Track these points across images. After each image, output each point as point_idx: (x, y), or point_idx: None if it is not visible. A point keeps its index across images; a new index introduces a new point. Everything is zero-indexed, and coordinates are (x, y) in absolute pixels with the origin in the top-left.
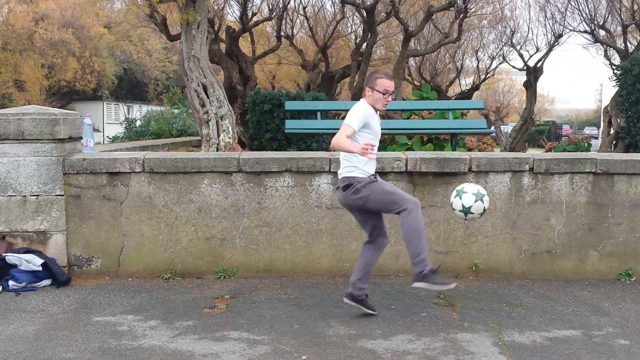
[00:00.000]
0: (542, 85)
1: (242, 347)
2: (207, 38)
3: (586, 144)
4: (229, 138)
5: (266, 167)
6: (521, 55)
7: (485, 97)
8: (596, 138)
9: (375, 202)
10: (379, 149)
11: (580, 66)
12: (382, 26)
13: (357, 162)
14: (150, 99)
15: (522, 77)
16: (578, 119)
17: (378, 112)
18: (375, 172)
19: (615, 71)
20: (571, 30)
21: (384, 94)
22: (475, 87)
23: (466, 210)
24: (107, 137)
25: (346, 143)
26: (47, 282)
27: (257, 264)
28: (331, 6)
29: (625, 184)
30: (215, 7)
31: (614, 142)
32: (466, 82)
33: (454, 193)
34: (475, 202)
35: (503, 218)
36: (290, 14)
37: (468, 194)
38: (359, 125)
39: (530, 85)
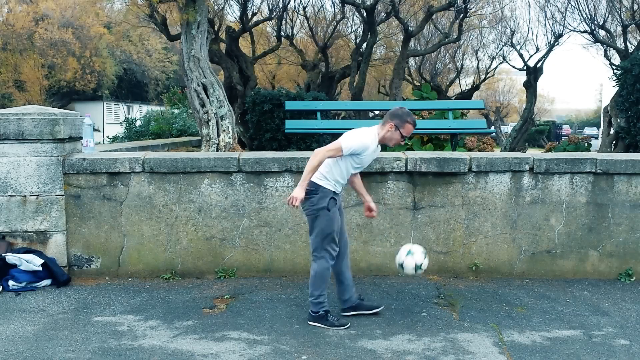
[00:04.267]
0: (542, 85)
1: (242, 347)
2: (207, 38)
3: (586, 144)
4: (229, 138)
5: (266, 167)
6: (521, 55)
7: (485, 97)
8: (596, 138)
9: (316, 226)
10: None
11: (580, 66)
12: (382, 26)
13: (328, 173)
14: (150, 99)
15: (522, 77)
16: (578, 119)
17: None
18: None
19: (615, 71)
20: (571, 30)
21: (403, 138)
22: (475, 87)
23: (418, 267)
24: (107, 137)
25: (312, 168)
26: (47, 282)
27: (257, 264)
28: (331, 6)
29: (625, 184)
30: (215, 7)
31: (614, 142)
32: (466, 82)
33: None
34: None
35: (503, 218)
36: (290, 14)
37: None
38: (350, 152)
39: (530, 85)
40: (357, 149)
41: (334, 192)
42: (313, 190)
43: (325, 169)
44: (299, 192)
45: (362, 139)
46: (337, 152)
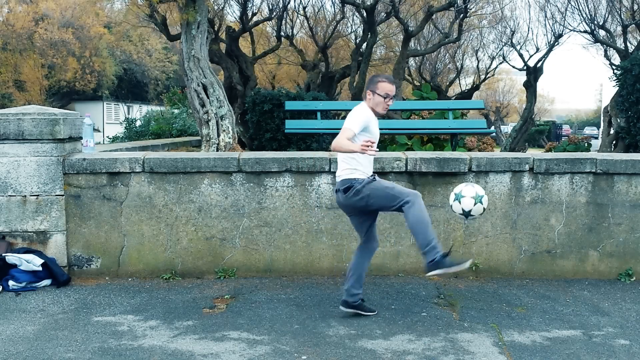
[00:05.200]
0: (542, 85)
1: (242, 347)
2: (207, 38)
3: (586, 144)
4: (229, 138)
5: (266, 167)
6: (521, 55)
7: (485, 97)
8: (596, 138)
9: (376, 200)
10: (379, 149)
11: (580, 66)
12: (382, 26)
13: (356, 164)
14: (150, 99)
15: (522, 77)
16: (578, 119)
17: (377, 115)
18: (374, 172)
19: (615, 71)
20: (571, 30)
21: (384, 98)
22: (475, 87)
23: (466, 214)
24: (107, 137)
25: (347, 144)
26: (47, 282)
27: (257, 264)
28: (331, 6)
29: (625, 184)
30: (215, 7)
31: (614, 142)
32: (466, 82)
33: (452, 196)
34: (475, 205)
35: (503, 218)
36: (290, 14)
37: (467, 198)
38: (360, 128)
39: (530, 85)
40: (363, 122)
41: (369, 176)
42: (350, 186)
43: (351, 160)
44: (357, 147)
45: (362, 112)
46: (350, 133)
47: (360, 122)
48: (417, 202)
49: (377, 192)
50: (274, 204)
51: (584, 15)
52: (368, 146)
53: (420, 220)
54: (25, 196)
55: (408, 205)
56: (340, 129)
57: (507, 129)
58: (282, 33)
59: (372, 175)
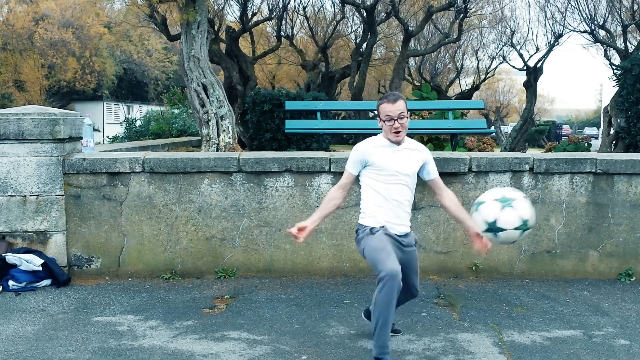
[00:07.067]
0: (542, 85)
1: (242, 347)
2: (207, 38)
3: (586, 144)
4: (229, 138)
5: (266, 167)
6: (521, 55)
7: (485, 97)
8: (596, 138)
9: (368, 259)
10: None
11: (580, 66)
12: (382, 26)
13: (364, 207)
14: (150, 99)
15: (522, 77)
16: (578, 119)
17: (398, 143)
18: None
19: (615, 71)
20: (571, 30)
21: (385, 122)
22: (475, 87)
23: (492, 226)
24: (107, 137)
25: (324, 201)
26: (47, 282)
27: (257, 264)
28: (331, 6)
29: (625, 184)
30: (215, 7)
31: (614, 142)
32: (466, 82)
33: (473, 207)
34: (501, 210)
35: None
36: (290, 14)
37: (487, 203)
38: (353, 167)
39: (530, 85)
40: (355, 160)
41: (372, 227)
42: (356, 231)
43: (362, 203)
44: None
45: (356, 147)
46: (345, 175)
47: (351, 161)
48: (388, 286)
49: (368, 254)
50: (274, 204)
51: (584, 15)
52: (293, 233)
53: (379, 306)
54: (25, 196)
55: (380, 286)
56: (340, 129)
57: (507, 129)
58: (282, 33)
59: (381, 227)
